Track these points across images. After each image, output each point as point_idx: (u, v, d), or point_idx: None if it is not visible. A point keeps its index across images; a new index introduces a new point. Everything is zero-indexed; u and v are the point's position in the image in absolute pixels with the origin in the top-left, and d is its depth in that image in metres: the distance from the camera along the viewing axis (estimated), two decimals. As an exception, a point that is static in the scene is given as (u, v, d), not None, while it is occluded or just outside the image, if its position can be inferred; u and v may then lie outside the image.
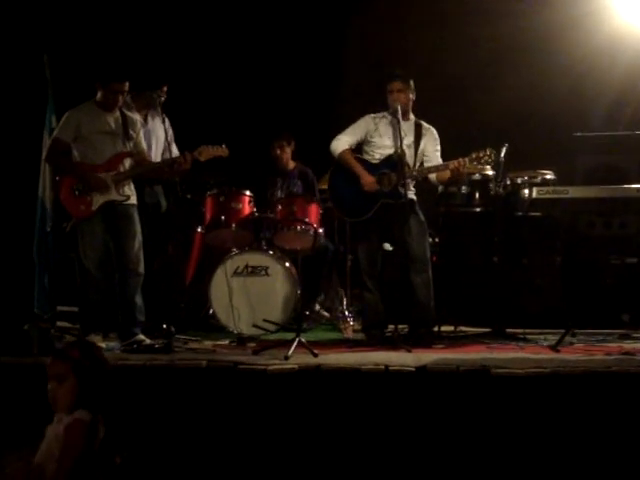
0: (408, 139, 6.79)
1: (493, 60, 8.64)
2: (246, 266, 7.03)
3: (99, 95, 6.53)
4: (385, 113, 6.94)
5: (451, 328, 7.34)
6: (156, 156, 7.11)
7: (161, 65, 7.76)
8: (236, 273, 7.01)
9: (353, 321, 7.54)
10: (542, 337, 6.85)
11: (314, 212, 7.18)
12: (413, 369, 5.42)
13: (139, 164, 6.61)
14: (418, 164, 6.85)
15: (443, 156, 6.86)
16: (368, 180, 6.74)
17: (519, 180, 7.45)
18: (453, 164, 6.63)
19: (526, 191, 7.26)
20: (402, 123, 6.73)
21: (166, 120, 6.99)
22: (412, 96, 6.90)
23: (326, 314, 7.97)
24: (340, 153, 6.88)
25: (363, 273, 6.87)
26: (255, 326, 6.88)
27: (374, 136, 6.90)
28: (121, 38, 8.52)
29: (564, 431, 5.15)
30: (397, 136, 6.70)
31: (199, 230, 7.52)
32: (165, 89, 7.14)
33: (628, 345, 6.44)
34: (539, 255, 7.59)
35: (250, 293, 6.98)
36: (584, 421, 5.14)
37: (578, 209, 6.53)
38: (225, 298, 6.92)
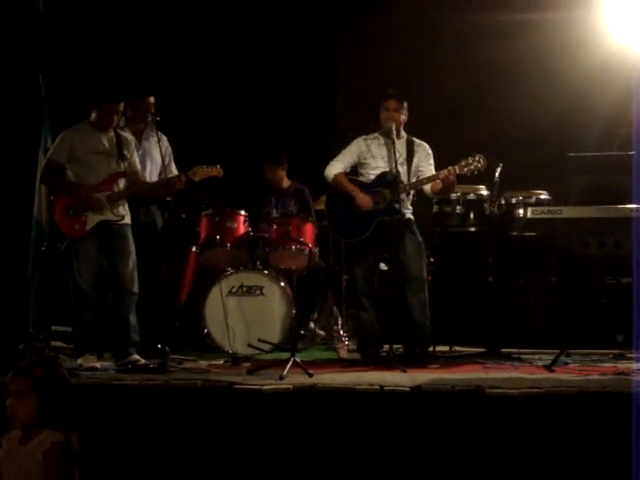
0: (401, 157, 6.81)
1: (487, 81, 8.68)
2: (241, 286, 7.03)
3: (93, 115, 6.55)
4: (377, 134, 6.97)
5: (446, 348, 7.35)
6: (151, 176, 7.11)
7: (156, 84, 7.76)
8: (231, 293, 7.01)
9: (348, 341, 7.53)
10: (537, 357, 6.85)
11: (309, 232, 7.19)
12: (408, 389, 5.42)
13: (133, 184, 6.62)
14: (412, 180, 6.87)
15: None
16: (363, 198, 6.76)
17: (513, 200, 7.49)
18: (443, 173, 6.66)
19: (520, 211, 7.30)
20: (396, 142, 6.74)
21: (163, 139, 7.01)
22: (404, 117, 6.93)
23: (321, 333, 7.96)
24: (333, 177, 6.91)
25: (359, 292, 6.87)
26: (250, 346, 6.86)
27: (367, 158, 6.93)
28: (116, 58, 8.54)
29: (559, 451, 5.14)
30: (392, 156, 6.71)
31: (194, 250, 7.52)
32: (152, 100, 7.15)
33: (623, 365, 6.42)
34: (534, 275, 7.61)
35: (245, 313, 6.98)
36: (578, 441, 5.14)
37: (572, 229, 6.53)
38: (220, 318, 6.91)
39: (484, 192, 7.54)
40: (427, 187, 6.85)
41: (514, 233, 7.41)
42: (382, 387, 5.45)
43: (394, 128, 6.75)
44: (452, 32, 8.72)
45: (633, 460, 4.82)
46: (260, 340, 6.86)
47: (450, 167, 6.65)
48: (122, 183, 6.58)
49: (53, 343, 6.99)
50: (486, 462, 5.17)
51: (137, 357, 6.39)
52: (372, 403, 5.38)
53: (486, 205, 7.52)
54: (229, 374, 6.09)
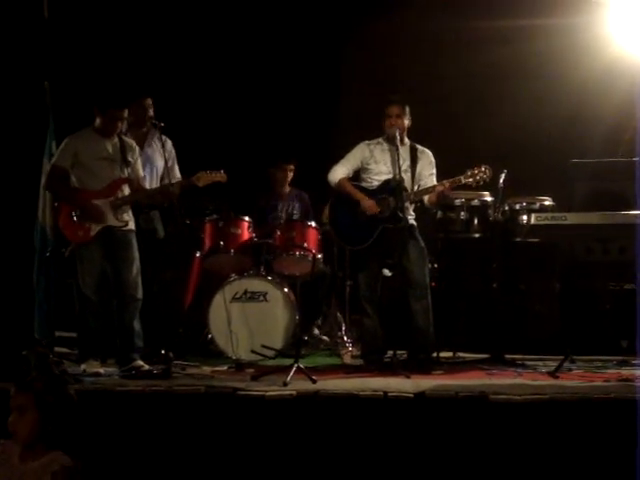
0: (405, 164, 6.81)
1: (491, 87, 8.69)
2: (245, 291, 7.03)
3: (98, 121, 6.55)
4: (380, 139, 6.97)
5: (450, 354, 7.33)
6: (151, 184, 7.08)
7: (160, 90, 7.77)
8: (235, 298, 7.01)
9: (352, 347, 7.53)
10: (541, 363, 6.84)
11: (313, 238, 7.20)
12: (412, 395, 5.42)
13: (136, 190, 6.62)
14: (416, 187, 6.86)
15: (440, 182, 6.86)
16: (368, 203, 6.76)
17: (517, 206, 7.49)
18: (439, 187, 6.67)
19: (524, 217, 7.29)
20: (399, 148, 6.74)
21: (167, 143, 7.01)
22: (408, 122, 6.92)
23: (325, 339, 7.95)
24: (337, 182, 6.90)
25: (362, 299, 6.86)
26: (254, 352, 6.87)
27: (370, 163, 6.92)
28: (121, 64, 8.57)
29: (562, 458, 5.14)
30: (395, 162, 6.72)
31: (198, 255, 7.52)
32: (150, 102, 7.15)
33: (627, 371, 6.41)
34: (537, 281, 7.60)
35: (249, 319, 6.98)
36: (582, 448, 5.13)
37: (576, 235, 6.53)
38: (224, 323, 6.91)
39: (488, 198, 7.54)
40: (425, 197, 6.85)
41: (518, 239, 7.41)
42: (386, 393, 5.45)
43: (397, 134, 6.75)
44: (455, 38, 8.73)
45: (637, 467, 4.82)
46: (264, 346, 6.86)
47: (445, 181, 6.67)
48: (126, 189, 6.58)
49: (57, 349, 7.01)
50: (490, 469, 5.16)
51: (141, 363, 6.39)
52: (376, 409, 5.37)
53: (490, 211, 7.52)
54: (233, 380, 6.09)
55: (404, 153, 6.85)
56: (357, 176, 6.99)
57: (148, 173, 7.07)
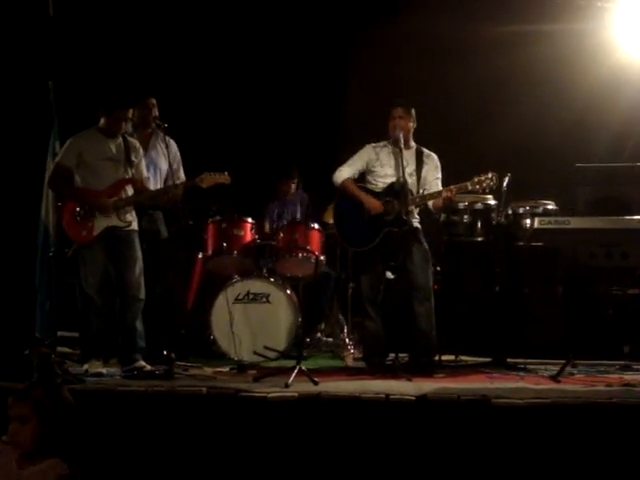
0: (410, 167, 6.80)
1: (496, 91, 8.68)
2: (247, 293, 7.03)
3: (102, 121, 6.56)
4: (386, 142, 6.96)
5: (452, 357, 7.34)
6: (155, 186, 7.06)
7: (166, 91, 7.78)
8: (237, 300, 7.01)
9: (354, 349, 7.53)
10: (543, 367, 6.85)
11: (316, 239, 7.21)
12: (414, 398, 5.41)
13: (139, 191, 6.62)
14: (421, 191, 6.85)
15: (446, 186, 6.85)
16: (373, 203, 6.75)
17: (521, 210, 7.49)
18: (446, 193, 6.65)
19: (528, 221, 7.29)
20: (404, 152, 6.73)
21: (171, 145, 7.01)
22: (413, 124, 6.90)
23: (327, 340, 7.95)
24: (342, 183, 6.89)
25: (365, 301, 6.85)
26: (256, 353, 6.87)
27: (375, 165, 6.91)
28: (126, 64, 8.58)
29: (564, 462, 5.13)
30: (399, 165, 6.71)
31: (200, 256, 7.52)
32: (154, 102, 7.15)
33: (629, 376, 6.43)
34: (540, 285, 7.59)
35: (251, 320, 6.98)
36: (584, 452, 5.12)
37: (579, 240, 6.52)
38: (226, 325, 6.91)
39: (492, 202, 7.53)
40: (430, 202, 6.84)
41: (521, 243, 7.39)
42: (388, 396, 5.44)
43: (402, 136, 6.74)
44: (461, 43, 8.72)
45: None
46: (266, 348, 6.86)
47: (452, 187, 6.65)
48: (129, 190, 6.58)
49: (59, 349, 7.00)
50: (491, 472, 5.16)
51: (143, 363, 6.39)
52: (377, 412, 5.36)
53: (493, 215, 7.51)
54: (235, 381, 6.09)
55: (410, 156, 6.84)
56: (362, 178, 6.98)
57: (152, 175, 7.06)
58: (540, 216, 6.98)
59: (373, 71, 9.14)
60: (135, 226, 6.60)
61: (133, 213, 6.61)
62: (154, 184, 7.04)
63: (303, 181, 8.40)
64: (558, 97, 8.54)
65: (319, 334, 7.97)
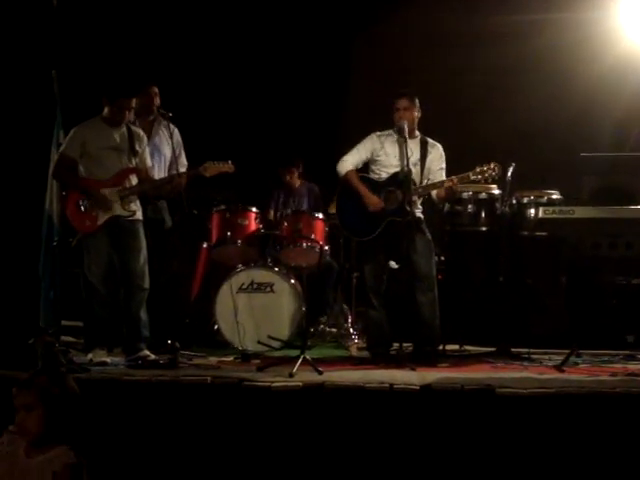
0: (414, 157, 6.79)
1: (501, 81, 8.67)
2: (251, 282, 7.04)
3: (106, 111, 6.55)
4: (391, 131, 6.93)
5: (456, 347, 7.34)
6: (159, 173, 7.08)
7: (170, 80, 7.77)
8: (241, 289, 7.02)
9: (358, 339, 7.54)
10: (547, 357, 6.84)
11: (320, 229, 7.20)
12: (418, 388, 5.41)
13: (143, 180, 6.62)
14: (425, 181, 6.84)
15: (449, 176, 6.84)
16: (372, 200, 6.74)
17: (525, 200, 7.47)
18: (447, 183, 6.65)
19: (532, 211, 7.28)
20: (408, 141, 6.72)
21: (175, 132, 7.00)
22: (417, 114, 6.89)
23: (332, 330, 7.95)
24: (345, 174, 6.88)
25: (369, 291, 6.85)
26: (260, 343, 6.88)
27: (380, 155, 6.89)
28: (130, 53, 8.57)
29: (568, 451, 5.13)
30: (404, 154, 6.70)
31: (205, 246, 7.52)
32: (156, 90, 7.15)
33: (633, 366, 6.42)
34: (544, 275, 7.59)
35: (255, 309, 6.99)
36: (588, 442, 5.12)
37: (584, 229, 6.51)
38: (230, 314, 6.92)
39: (496, 191, 7.52)
40: (434, 192, 6.83)
41: (525, 233, 7.40)
42: (392, 385, 5.45)
43: (406, 126, 6.73)
44: (466, 32, 8.70)
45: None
46: (270, 337, 6.87)
47: (454, 177, 6.65)
48: (134, 179, 6.58)
49: (63, 338, 7.02)
50: (495, 461, 5.16)
51: (147, 352, 6.41)
52: (382, 401, 5.37)
53: (497, 204, 7.50)
54: (239, 371, 6.10)
55: (414, 146, 6.82)
56: (366, 167, 6.96)
57: (156, 162, 7.06)
58: (544, 206, 6.97)
59: (377, 60, 9.12)
60: (139, 215, 6.60)
61: (137, 202, 6.60)
62: (158, 170, 7.06)
63: (304, 170, 8.35)
64: (563, 86, 8.53)
65: (323, 324, 7.96)
